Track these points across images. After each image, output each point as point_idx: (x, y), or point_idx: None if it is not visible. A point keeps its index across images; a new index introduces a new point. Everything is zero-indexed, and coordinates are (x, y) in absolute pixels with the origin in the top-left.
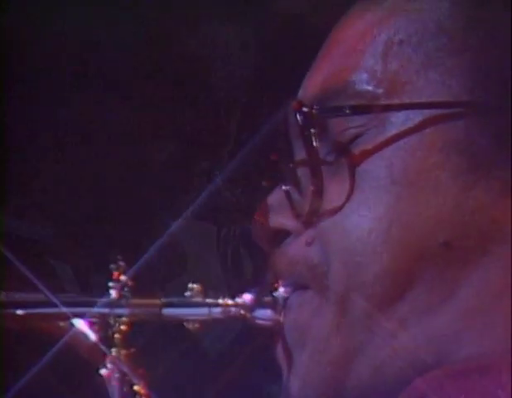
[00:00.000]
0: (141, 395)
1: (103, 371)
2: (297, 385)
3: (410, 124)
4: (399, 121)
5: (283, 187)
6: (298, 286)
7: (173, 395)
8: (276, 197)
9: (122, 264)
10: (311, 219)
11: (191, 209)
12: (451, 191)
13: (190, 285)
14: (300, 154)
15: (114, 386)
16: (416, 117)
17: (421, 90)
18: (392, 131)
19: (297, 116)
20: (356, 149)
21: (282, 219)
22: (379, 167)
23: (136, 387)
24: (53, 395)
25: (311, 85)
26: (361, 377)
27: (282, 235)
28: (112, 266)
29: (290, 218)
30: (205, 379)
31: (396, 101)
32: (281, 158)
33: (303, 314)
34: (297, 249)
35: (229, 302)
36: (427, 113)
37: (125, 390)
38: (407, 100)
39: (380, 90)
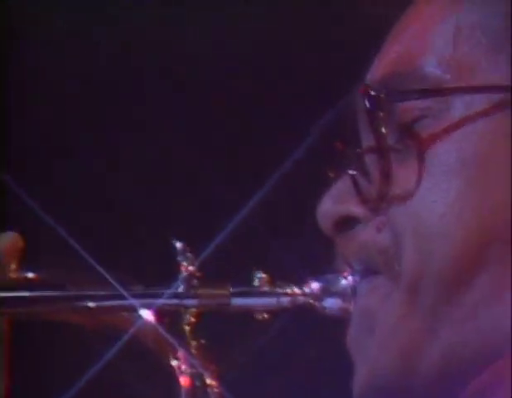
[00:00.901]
0: (212, 387)
1: (173, 364)
2: (367, 373)
3: (478, 108)
4: (467, 105)
5: (350, 173)
6: (368, 272)
7: (244, 390)
8: (342, 185)
9: (189, 255)
10: (379, 204)
11: (257, 198)
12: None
13: (258, 275)
14: (367, 140)
15: (184, 380)
16: (484, 101)
17: (489, 74)
18: (459, 114)
19: (365, 101)
20: (424, 132)
21: (349, 206)
22: (448, 150)
23: (208, 381)
24: (122, 389)
25: (379, 69)
26: (431, 365)
27: (349, 223)
28: (180, 258)
29: (357, 205)
30: (275, 372)
31: (463, 85)
32: (347, 146)
33: (373, 300)
34: (367, 235)
35: (298, 291)
36: (496, 97)
37: (197, 384)
38: (475, 84)
39: (448, 74)
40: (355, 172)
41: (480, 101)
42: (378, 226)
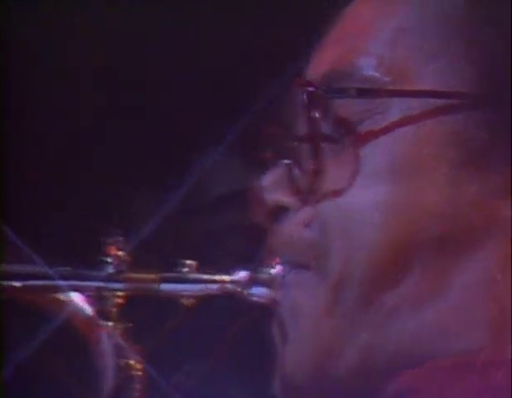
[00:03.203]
0: (136, 369)
1: (98, 345)
2: (289, 364)
3: (412, 113)
4: (402, 109)
5: (284, 163)
6: (297, 265)
7: (168, 370)
8: (275, 174)
9: (120, 238)
10: (310, 197)
11: (189, 184)
12: (446, 183)
13: (186, 261)
14: (303, 131)
15: (110, 360)
16: (417, 106)
17: (426, 78)
18: (394, 118)
19: (304, 94)
20: (360, 133)
21: (280, 195)
22: (380, 153)
23: (131, 361)
24: (48, 369)
25: (319, 65)
26: (350, 363)
27: (279, 213)
28: (109, 240)
29: (289, 195)
30: (200, 354)
31: (401, 88)
32: (283, 133)
33: (300, 293)
34: (295, 229)
35: (226, 278)
36: (429, 102)
37: (121, 364)
38: (412, 88)
39: (387, 77)
40: (288, 163)
41: (415, 106)
42: (306, 221)
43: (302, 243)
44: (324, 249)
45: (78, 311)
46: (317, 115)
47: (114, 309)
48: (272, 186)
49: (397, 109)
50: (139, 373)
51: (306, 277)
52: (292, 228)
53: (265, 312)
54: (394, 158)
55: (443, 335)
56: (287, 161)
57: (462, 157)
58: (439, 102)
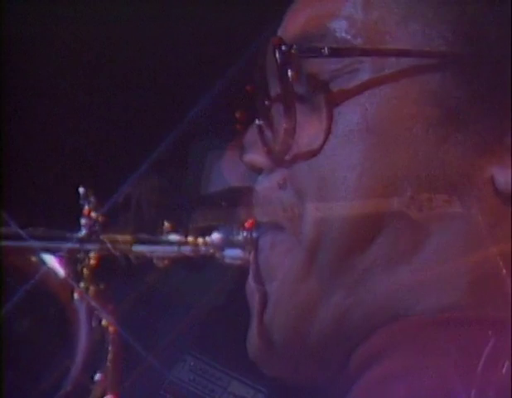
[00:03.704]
0: (109, 330)
1: (71, 307)
2: (265, 325)
3: (386, 72)
4: (376, 68)
5: (256, 123)
6: (272, 226)
7: (141, 331)
8: (249, 135)
9: (93, 199)
10: (282, 157)
11: (164, 145)
12: (422, 143)
13: (160, 223)
14: (276, 91)
15: (82, 321)
16: (392, 66)
17: (400, 41)
18: (368, 77)
19: (276, 53)
20: (332, 91)
21: (253, 155)
22: (353, 112)
23: (104, 322)
24: (21, 329)
25: (291, 26)
26: (324, 324)
27: (253, 173)
28: (82, 202)
29: (262, 155)
30: (173, 316)
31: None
32: (257, 93)
33: (274, 255)
34: (270, 190)
35: (199, 240)
36: (404, 62)
37: (93, 325)
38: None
39: (359, 39)
40: (261, 122)
41: (390, 65)
42: (279, 182)
43: (279, 204)
44: (298, 211)
45: (50, 272)
46: (290, 75)
47: (87, 271)
48: (246, 148)
49: (369, 68)
50: (112, 334)
51: (280, 238)
52: (268, 189)
53: (239, 273)
54: (368, 117)
55: (417, 294)
56: (259, 121)
57: (439, 116)
58: (413, 61)
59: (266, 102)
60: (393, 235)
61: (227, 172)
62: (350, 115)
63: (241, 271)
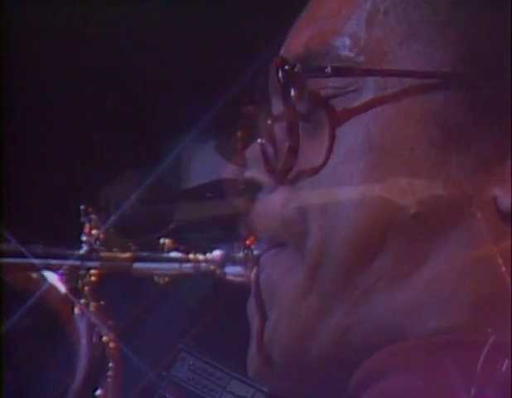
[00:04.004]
0: (109, 346)
1: (72, 323)
2: (265, 343)
3: (389, 92)
4: (378, 88)
5: (259, 141)
6: (274, 244)
7: (142, 348)
8: (251, 152)
9: (93, 217)
10: (285, 176)
11: (165, 163)
12: (425, 163)
13: (161, 240)
14: (278, 110)
15: (83, 337)
16: (395, 85)
17: (402, 61)
18: (370, 96)
19: (279, 72)
20: (335, 110)
21: (255, 172)
22: (356, 131)
23: (105, 339)
24: (21, 347)
25: (294, 45)
26: (325, 344)
27: (254, 191)
28: (83, 219)
29: (263, 173)
30: (174, 332)
31: (377, 67)
32: (258, 112)
33: (276, 273)
34: (273, 207)
35: (200, 257)
36: (407, 82)
37: (94, 341)
38: (388, 68)
39: (362, 57)
40: (263, 140)
41: (393, 85)
42: (283, 200)
43: (280, 222)
44: (301, 229)
45: (51, 289)
46: (293, 94)
47: (88, 287)
48: (248, 165)
49: (372, 87)
50: (113, 351)
51: (282, 256)
52: (271, 206)
53: (240, 291)
54: (371, 136)
55: (418, 314)
56: (262, 139)
57: (442, 137)
58: (416, 82)
59: (268, 120)
60: (395, 255)
61: (227, 186)
62: (352, 134)
63: (241, 289)
